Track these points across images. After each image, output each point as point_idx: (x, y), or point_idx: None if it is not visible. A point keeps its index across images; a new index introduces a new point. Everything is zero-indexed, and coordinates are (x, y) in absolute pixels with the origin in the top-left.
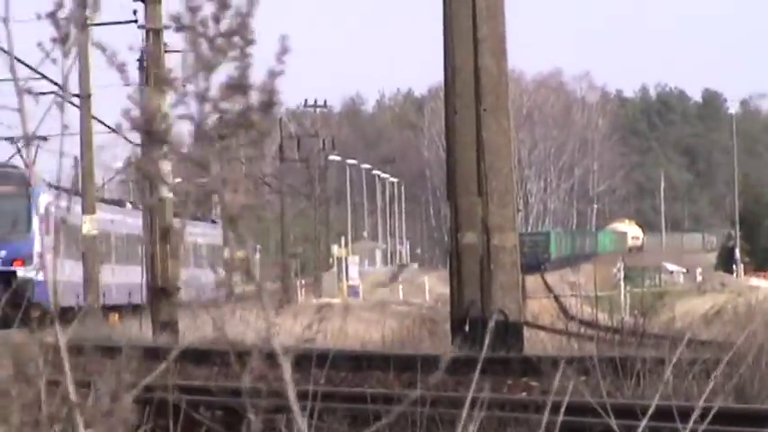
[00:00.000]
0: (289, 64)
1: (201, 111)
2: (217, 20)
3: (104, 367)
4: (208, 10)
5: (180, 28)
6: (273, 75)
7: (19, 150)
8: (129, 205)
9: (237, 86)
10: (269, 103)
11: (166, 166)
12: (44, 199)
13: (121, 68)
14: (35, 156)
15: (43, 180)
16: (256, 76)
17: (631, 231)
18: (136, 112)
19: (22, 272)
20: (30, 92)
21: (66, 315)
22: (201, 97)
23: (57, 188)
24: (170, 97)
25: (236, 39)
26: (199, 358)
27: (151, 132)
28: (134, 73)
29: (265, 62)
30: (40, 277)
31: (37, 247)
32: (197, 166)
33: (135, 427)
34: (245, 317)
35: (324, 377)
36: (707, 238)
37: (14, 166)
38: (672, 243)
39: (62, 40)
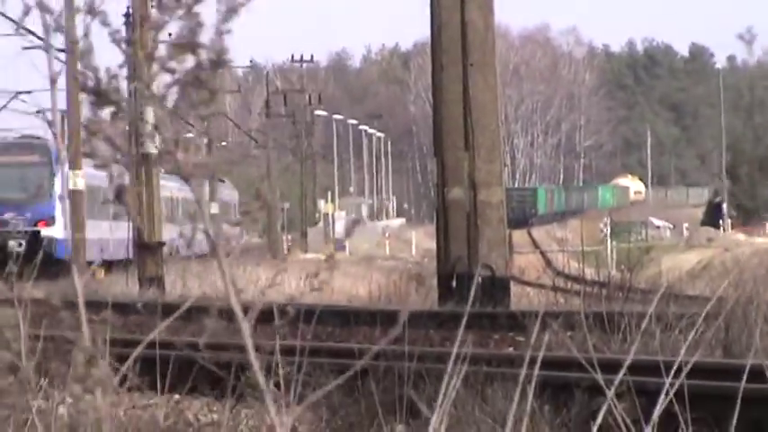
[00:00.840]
0: (276, 19)
1: (150, 70)
2: None
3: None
4: None
5: None
6: (220, 33)
7: (49, 123)
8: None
9: (185, 45)
10: (218, 62)
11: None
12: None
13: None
14: (62, 127)
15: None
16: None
17: (634, 186)
18: (85, 71)
19: (44, 231)
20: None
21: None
22: (149, 57)
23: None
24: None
25: None
26: (186, 313)
27: (100, 92)
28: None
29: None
30: (61, 236)
31: (58, 210)
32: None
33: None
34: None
35: (311, 332)
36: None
37: (38, 137)
38: (677, 197)
39: None
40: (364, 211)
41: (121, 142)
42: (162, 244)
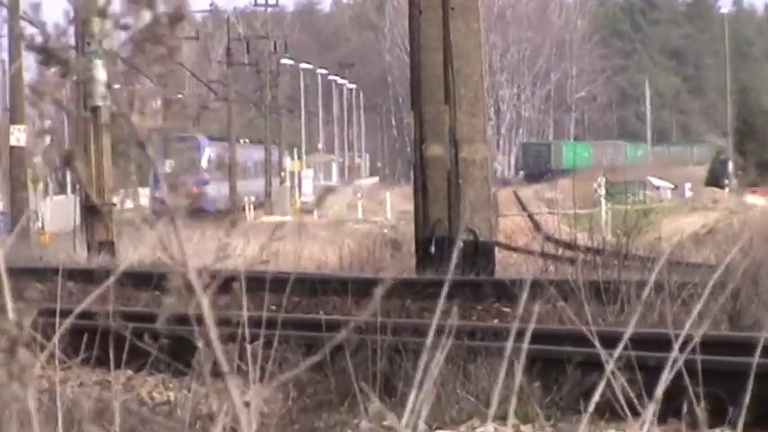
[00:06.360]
0: None
1: (103, 27)
2: None
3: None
4: None
5: None
6: None
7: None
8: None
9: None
10: (176, 17)
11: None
12: (208, 148)
13: None
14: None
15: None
16: None
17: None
18: (32, 30)
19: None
20: None
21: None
22: (102, 13)
23: (217, 139)
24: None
25: None
26: (138, 282)
27: (48, 51)
28: None
29: None
30: (211, 193)
31: (206, 177)
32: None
33: (70, 355)
34: (191, 236)
35: (276, 303)
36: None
37: (193, 135)
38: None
39: None
40: (334, 169)
41: (68, 103)
42: (113, 205)
